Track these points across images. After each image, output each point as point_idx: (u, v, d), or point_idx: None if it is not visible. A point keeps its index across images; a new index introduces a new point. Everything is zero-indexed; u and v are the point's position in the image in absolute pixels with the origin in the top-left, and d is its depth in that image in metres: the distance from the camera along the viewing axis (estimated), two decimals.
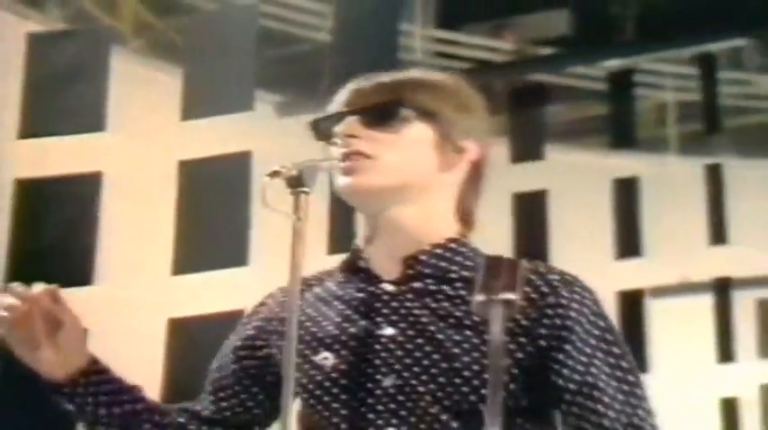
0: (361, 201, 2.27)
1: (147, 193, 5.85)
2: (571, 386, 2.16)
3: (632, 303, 6.76)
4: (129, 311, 5.79)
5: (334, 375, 2.22)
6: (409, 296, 2.25)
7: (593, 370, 2.17)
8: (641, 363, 6.55)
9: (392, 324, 2.22)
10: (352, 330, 2.27)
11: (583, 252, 6.41)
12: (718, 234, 6.76)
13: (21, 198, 5.61)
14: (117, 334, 5.68)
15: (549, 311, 2.17)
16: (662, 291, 6.89)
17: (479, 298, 2.04)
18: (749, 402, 7.47)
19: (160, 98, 5.96)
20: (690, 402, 6.89)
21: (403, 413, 2.17)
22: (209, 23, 6.45)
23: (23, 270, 5.40)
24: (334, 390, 2.22)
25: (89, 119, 5.58)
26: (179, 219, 5.60)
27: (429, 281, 2.25)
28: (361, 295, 2.31)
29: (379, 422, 2.17)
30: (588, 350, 2.18)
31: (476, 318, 2.14)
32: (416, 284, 2.24)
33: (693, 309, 7.01)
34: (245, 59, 5.92)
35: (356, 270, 2.32)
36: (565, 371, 2.16)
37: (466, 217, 2.33)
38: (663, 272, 6.86)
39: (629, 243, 6.68)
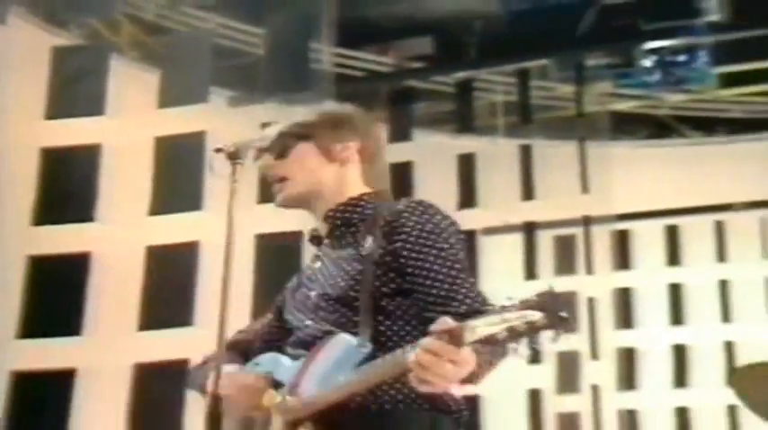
0: (290, 206, 2.45)
1: (132, 159, 5.81)
2: (408, 270, 2.25)
3: (468, 239, 6.66)
4: (119, 241, 5.75)
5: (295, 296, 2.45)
6: (331, 242, 2.42)
7: (429, 258, 2.24)
8: None
9: (320, 260, 2.43)
10: (309, 271, 2.47)
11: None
12: (528, 192, 6.84)
13: (45, 161, 5.68)
14: (107, 257, 5.76)
15: (395, 224, 2.28)
16: (490, 231, 6.86)
17: (366, 235, 2.29)
18: None
19: (144, 93, 5.91)
20: None
21: (318, 310, 2.34)
22: (180, 40, 6.35)
23: (48, 210, 5.63)
24: (293, 304, 2.44)
25: (93, 106, 5.67)
26: (154, 176, 5.69)
27: (342, 228, 2.40)
28: (318, 252, 2.46)
29: (305, 317, 2.38)
30: (424, 246, 2.26)
31: (363, 244, 2.29)
32: (336, 233, 2.41)
33: (511, 243, 7.01)
34: (204, 66, 5.99)
35: (314, 239, 2.47)
36: (410, 262, 2.25)
37: (373, 182, 2.43)
38: (492, 217, 6.76)
39: (467, 197, 6.74)
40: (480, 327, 1.94)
